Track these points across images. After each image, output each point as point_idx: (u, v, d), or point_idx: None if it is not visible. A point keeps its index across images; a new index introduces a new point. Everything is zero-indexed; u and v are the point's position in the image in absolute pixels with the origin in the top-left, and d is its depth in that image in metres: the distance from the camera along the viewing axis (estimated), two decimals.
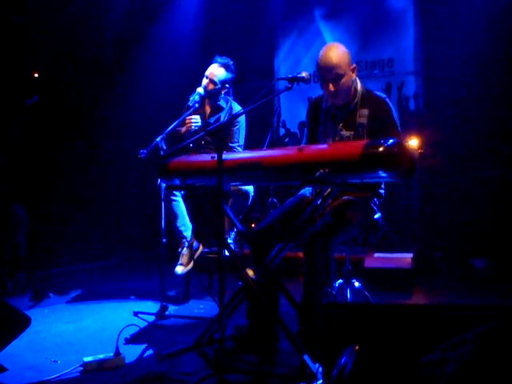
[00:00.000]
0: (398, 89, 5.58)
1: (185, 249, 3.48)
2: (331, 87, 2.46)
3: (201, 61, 3.83)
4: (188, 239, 3.50)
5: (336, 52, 2.49)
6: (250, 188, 3.56)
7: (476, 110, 4.86)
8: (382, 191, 2.69)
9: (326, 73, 2.45)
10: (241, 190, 3.49)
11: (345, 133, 2.51)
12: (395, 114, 2.52)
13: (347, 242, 2.85)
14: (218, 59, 3.62)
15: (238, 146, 3.63)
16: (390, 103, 2.53)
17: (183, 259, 3.46)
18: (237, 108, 3.69)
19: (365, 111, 2.47)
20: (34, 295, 3.82)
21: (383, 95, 2.58)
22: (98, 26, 5.47)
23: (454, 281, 4.23)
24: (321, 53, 2.51)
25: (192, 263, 3.47)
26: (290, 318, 2.55)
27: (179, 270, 3.43)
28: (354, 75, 2.52)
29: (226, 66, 3.61)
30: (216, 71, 3.60)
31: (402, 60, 5.57)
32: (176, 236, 3.54)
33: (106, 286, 4.37)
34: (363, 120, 2.46)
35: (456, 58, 4.94)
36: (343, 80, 2.45)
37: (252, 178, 2.56)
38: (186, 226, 3.54)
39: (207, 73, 3.61)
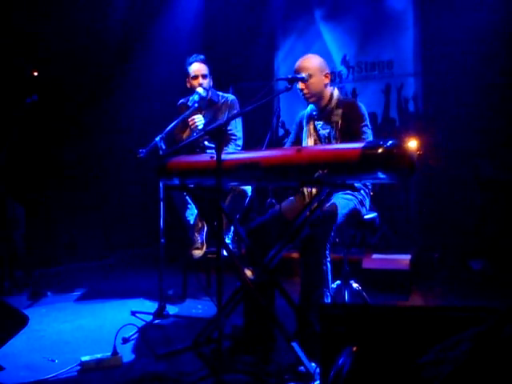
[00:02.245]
0: (398, 90, 5.58)
1: (195, 234, 3.67)
2: (300, 85, 2.75)
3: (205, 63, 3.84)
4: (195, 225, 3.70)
5: (307, 58, 2.84)
6: (248, 187, 3.57)
7: (475, 111, 4.86)
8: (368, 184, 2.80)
9: (295, 73, 2.78)
10: (238, 188, 3.50)
11: (322, 132, 2.82)
12: (363, 112, 2.78)
13: (345, 244, 2.86)
14: (193, 59, 3.72)
15: (237, 131, 3.73)
16: (360, 103, 2.84)
17: (197, 244, 3.68)
18: (230, 97, 3.81)
19: (339, 111, 2.79)
20: (31, 294, 3.81)
21: (353, 99, 2.92)
22: (97, 26, 5.46)
23: (451, 282, 4.23)
24: None
25: (205, 246, 3.71)
26: (288, 318, 2.55)
27: (196, 253, 3.66)
28: (326, 80, 2.81)
29: (204, 61, 3.72)
30: (202, 67, 3.70)
31: (402, 61, 5.57)
32: (186, 226, 3.70)
33: (103, 285, 4.37)
34: (337, 118, 2.77)
35: (455, 59, 4.94)
36: (311, 80, 2.74)
37: (251, 179, 2.57)
38: (193, 214, 3.70)
39: (196, 73, 3.68)
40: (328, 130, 2.78)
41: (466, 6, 4.88)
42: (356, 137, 2.64)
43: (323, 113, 2.84)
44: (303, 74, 2.72)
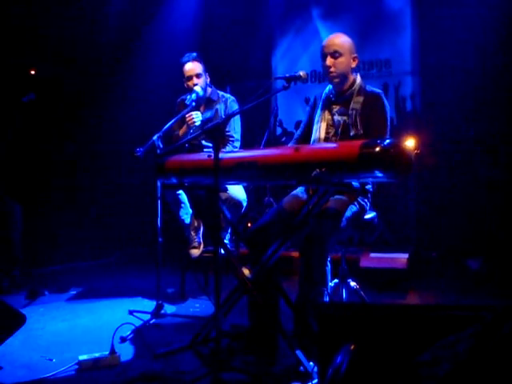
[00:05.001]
0: (395, 89, 5.59)
1: (192, 233, 3.67)
2: (328, 61, 2.63)
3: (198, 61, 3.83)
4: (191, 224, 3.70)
5: (339, 35, 2.71)
6: (243, 197, 3.56)
7: (473, 110, 4.87)
8: (368, 187, 2.72)
9: (326, 48, 2.66)
10: (234, 199, 3.48)
11: (338, 117, 2.66)
12: (387, 109, 2.64)
13: (343, 243, 2.86)
14: (185, 59, 3.69)
15: (235, 132, 3.71)
16: (385, 99, 2.67)
17: (194, 243, 3.69)
18: (230, 97, 3.79)
19: (360, 98, 2.64)
20: (29, 293, 3.81)
21: (379, 90, 2.73)
22: (95, 26, 5.45)
23: (449, 281, 4.24)
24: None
25: (203, 244, 3.71)
26: (286, 317, 2.55)
27: (194, 252, 3.67)
28: (353, 63, 2.70)
29: (197, 59, 3.69)
30: (194, 66, 3.67)
31: (400, 60, 5.57)
32: (181, 225, 3.69)
33: (101, 284, 4.37)
34: (357, 106, 2.62)
35: (453, 58, 4.95)
36: (341, 59, 2.63)
37: (248, 178, 2.56)
38: (188, 213, 3.68)
39: (189, 73, 3.65)
40: (345, 118, 2.63)
41: (464, 5, 4.89)
42: (377, 133, 2.45)
43: (342, 97, 2.69)
44: (333, 50, 2.60)
